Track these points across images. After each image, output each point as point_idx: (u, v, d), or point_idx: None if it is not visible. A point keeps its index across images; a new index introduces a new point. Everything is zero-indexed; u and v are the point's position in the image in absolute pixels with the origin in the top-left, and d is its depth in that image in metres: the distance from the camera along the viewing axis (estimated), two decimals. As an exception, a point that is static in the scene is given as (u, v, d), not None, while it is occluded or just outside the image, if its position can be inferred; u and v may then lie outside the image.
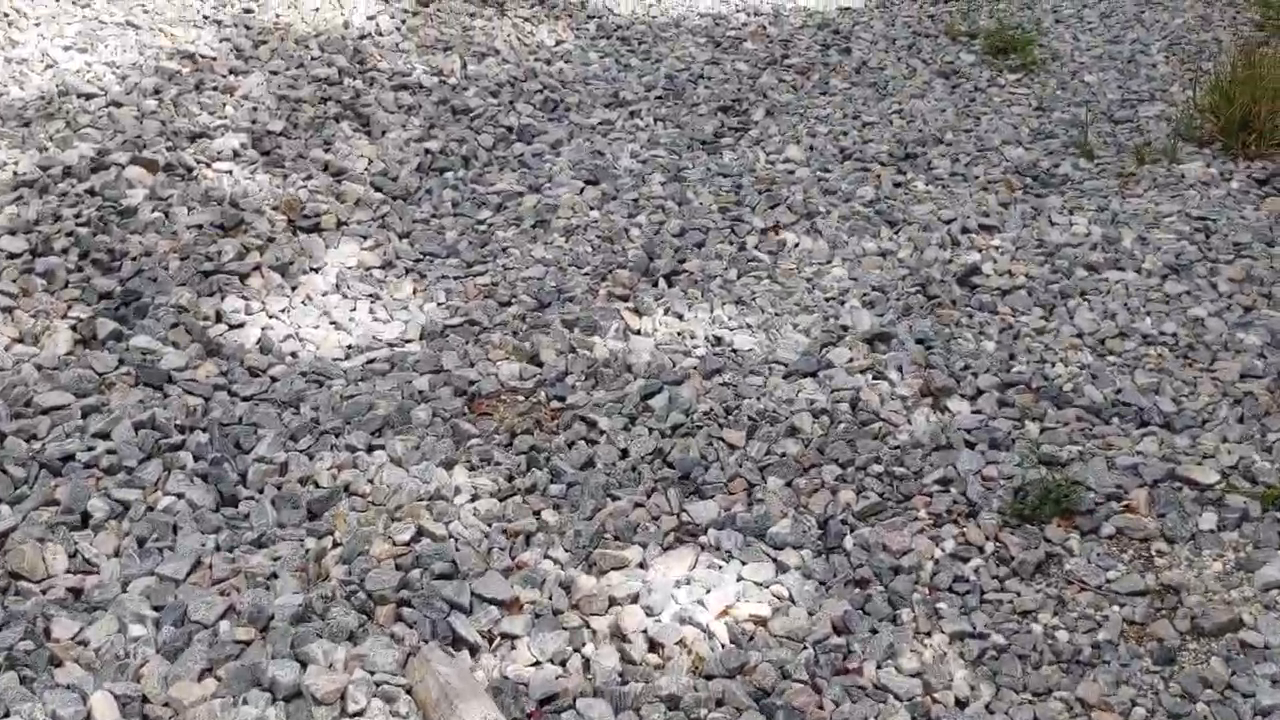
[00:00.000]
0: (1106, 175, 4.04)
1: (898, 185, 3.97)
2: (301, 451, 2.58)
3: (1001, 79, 4.97)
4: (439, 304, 3.23)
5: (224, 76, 4.15)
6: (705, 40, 5.31)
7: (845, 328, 3.07)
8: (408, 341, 3.06)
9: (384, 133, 4.07)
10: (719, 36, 5.36)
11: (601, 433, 2.67)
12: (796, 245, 3.55)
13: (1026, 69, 5.06)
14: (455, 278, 3.37)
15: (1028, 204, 3.80)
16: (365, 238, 3.49)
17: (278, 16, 4.68)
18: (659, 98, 4.70)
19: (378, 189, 3.75)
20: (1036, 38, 5.35)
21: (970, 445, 2.61)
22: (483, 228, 3.66)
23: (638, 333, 3.10)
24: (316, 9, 4.84)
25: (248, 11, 4.67)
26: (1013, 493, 2.48)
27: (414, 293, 3.28)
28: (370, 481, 2.47)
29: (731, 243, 3.57)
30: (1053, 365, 2.92)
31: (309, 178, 3.73)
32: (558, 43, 5.10)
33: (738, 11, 5.70)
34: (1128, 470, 2.54)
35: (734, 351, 3.01)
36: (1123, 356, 2.97)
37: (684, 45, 5.22)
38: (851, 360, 2.92)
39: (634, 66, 4.97)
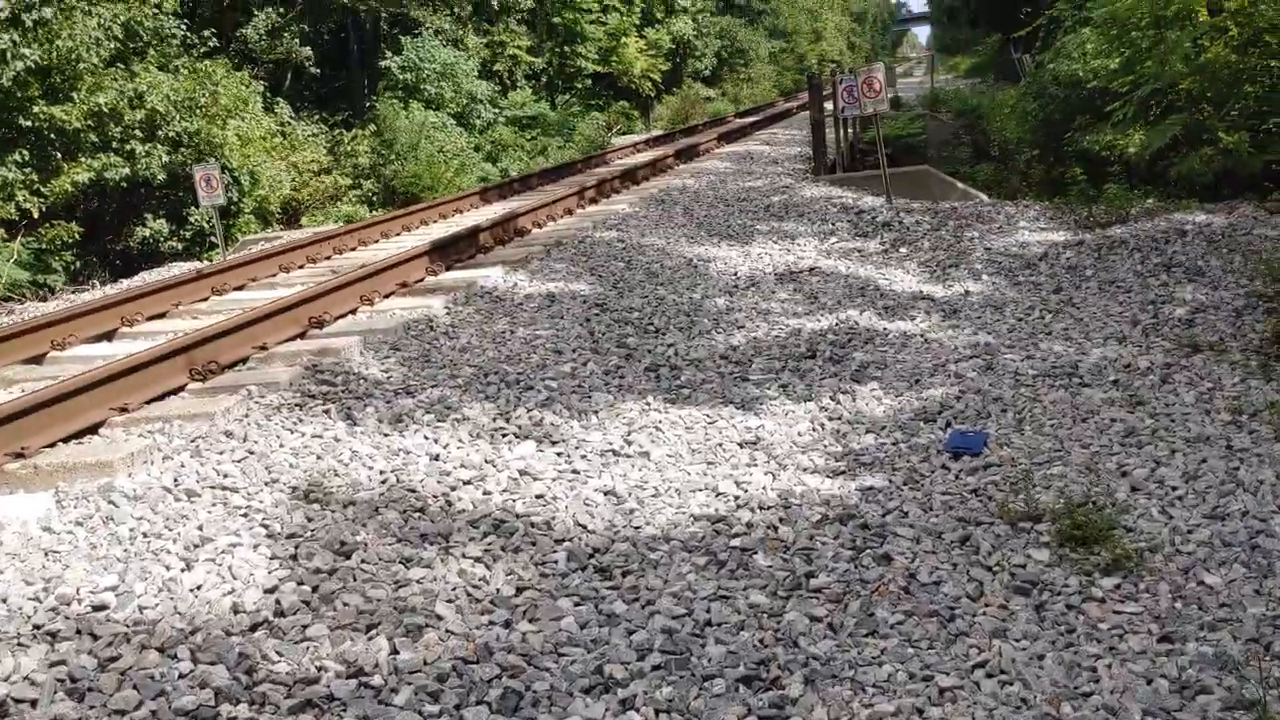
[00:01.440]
0: (1319, 771, 2.78)
1: (1028, 826, 2.68)
2: None
3: (1096, 588, 3.82)
4: None
5: (39, 741, 2.91)
6: (705, 559, 4.18)
7: None
8: None
9: (270, 803, 2.79)
10: (721, 550, 4.24)
11: None
12: None
13: (1121, 568, 3.92)
14: None
15: None
16: None
17: (141, 611, 3.50)
18: (657, 667, 3.48)
19: None
20: (1117, 518, 4.26)
21: None
22: None
23: None
24: (198, 587, 3.69)
25: (100, 609, 3.50)
26: None
27: None
28: None
29: None
30: None
31: None
32: (519, 590, 3.93)
33: (739, 508, 4.62)
34: None
35: None
36: None
37: (680, 570, 4.08)
38: None
39: (619, 615, 3.78)
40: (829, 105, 15.91)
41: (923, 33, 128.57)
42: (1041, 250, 9.06)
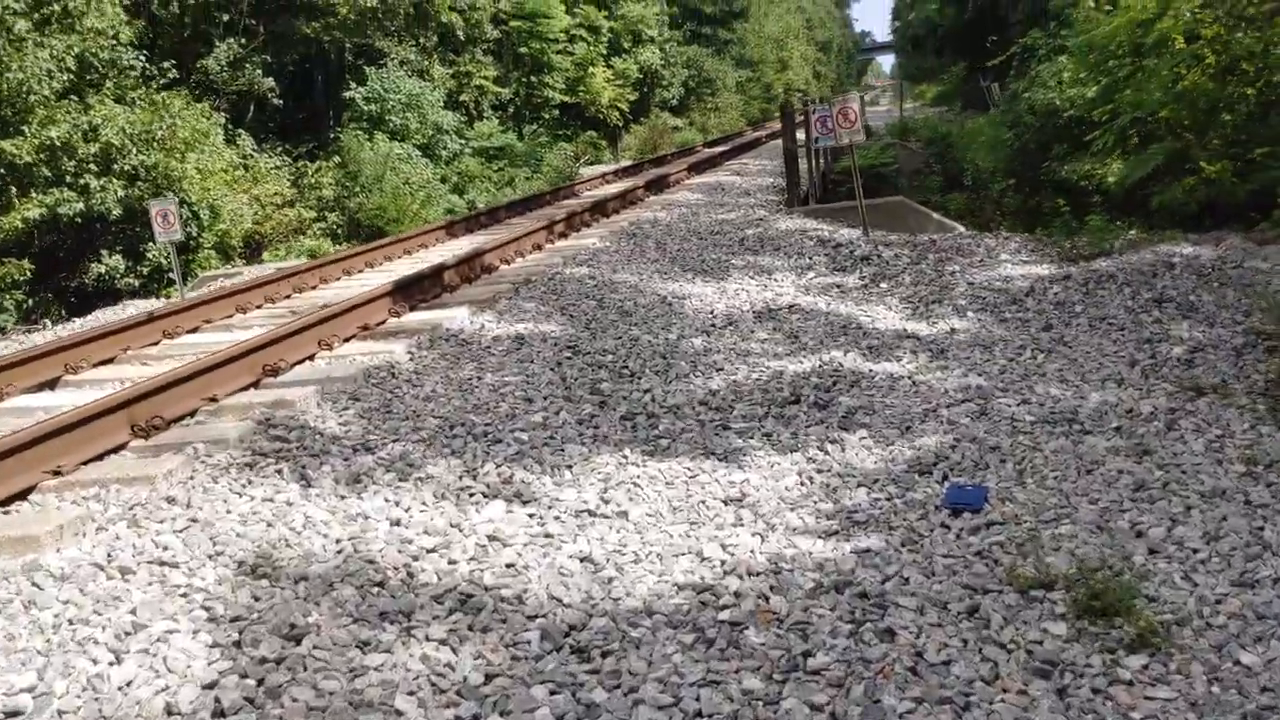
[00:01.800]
0: None
1: None
2: None
3: (1122, 668, 3.49)
4: None
5: None
6: (692, 635, 3.82)
7: None
8: None
9: None
10: (709, 625, 3.88)
11: None
12: None
13: (1147, 644, 3.59)
14: None
15: None
16: None
17: (60, 716, 3.11)
18: (644, 770, 3.12)
19: None
20: (1137, 585, 3.93)
21: None
22: None
23: None
24: (127, 684, 3.29)
25: (13, 715, 3.10)
26: None
27: None
28: None
29: None
30: None
31: None
32: (488, 677, 3.56)
33: (726, 574, 4.26)
34: None
35: None
36: None
37: (665, 650, 3.71)
38: None
39: (599, 705, 3.42)
40: (800, 135, 15.68)
41: (887, 61, 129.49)
42: (1027, 285, 8.78)
